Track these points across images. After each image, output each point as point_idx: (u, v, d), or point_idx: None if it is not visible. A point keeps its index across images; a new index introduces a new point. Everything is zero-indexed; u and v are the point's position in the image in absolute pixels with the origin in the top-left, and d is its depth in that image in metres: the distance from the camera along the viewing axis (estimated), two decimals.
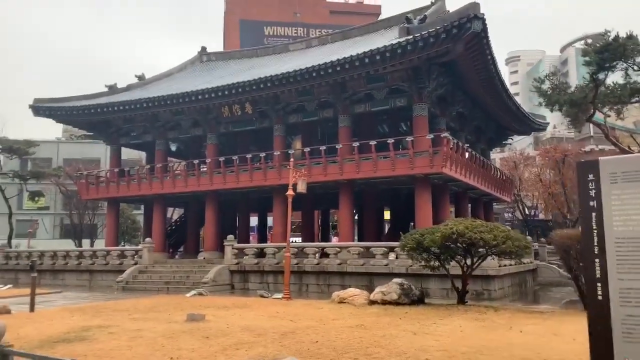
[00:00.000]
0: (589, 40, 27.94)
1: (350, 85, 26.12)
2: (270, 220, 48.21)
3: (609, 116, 29.47)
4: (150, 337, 8.68)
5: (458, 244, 12.35)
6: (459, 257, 13.15)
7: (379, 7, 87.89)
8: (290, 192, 17.51)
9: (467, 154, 26.34)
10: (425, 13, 28.25)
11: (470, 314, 11.42)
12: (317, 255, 22.23)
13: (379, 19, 78.46)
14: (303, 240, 30.61)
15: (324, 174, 25.86)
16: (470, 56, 22.91)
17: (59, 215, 63.32)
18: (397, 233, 28.78)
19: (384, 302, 13.15)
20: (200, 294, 18.59)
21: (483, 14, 20.77)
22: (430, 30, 21.64)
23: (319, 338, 8.22)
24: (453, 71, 24.61)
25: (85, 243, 51.22)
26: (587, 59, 26.89)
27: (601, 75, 26.28)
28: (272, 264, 22.95)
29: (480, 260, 13.27)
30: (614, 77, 27.77)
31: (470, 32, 20.94)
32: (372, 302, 13.33)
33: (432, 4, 30.78)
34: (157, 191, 30.86)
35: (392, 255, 21.40)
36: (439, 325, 9.58)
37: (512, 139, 39.58)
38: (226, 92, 27.39)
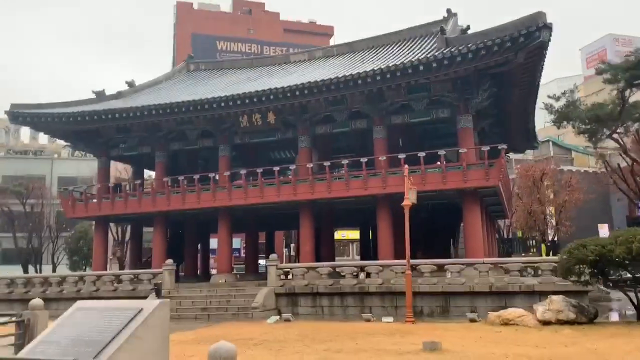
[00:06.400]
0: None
1: (389, 95, 24.96)
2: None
3: (620, 133, 30.31)
4: None
5: None
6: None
7: (332, 27, 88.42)
8: (406, 202, 15.87)
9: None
10: (444, 26, 27.77)
11: None
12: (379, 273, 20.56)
13: (332, 42, 78.84)
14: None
15: (364, 188, 24.34)
16: (524, 67, 22.55)
17: None
18: (429, 250, 27.69)
19: (559, 322, 11.84)
20: (286, 320, 16.31)
21: (551, 24, 20.46)
22: (495, 39, 21.01)
23: None
24: (500, 83, 24.14)
25: (33, 270, 45.62)
26: (607, 76, 27.59)
27: (627, 93, 27.09)
28: (326, 285, 20.94)
29: None
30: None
31: (537, 42, 20.54)
32: (545, 323, 11.98)
33: (445, 19, 30.45)
34: (161, 208, 27.77)
35: (449, 274, 20.25)
36: None
37: (509, 156, 40.03)
38: (252, 100, 25.27)
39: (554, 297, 12.76)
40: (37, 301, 10.82)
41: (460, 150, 23.20)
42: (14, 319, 11.28)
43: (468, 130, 24.20)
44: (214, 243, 41.35)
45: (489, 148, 22.77)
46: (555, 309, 12.08)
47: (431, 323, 15.03)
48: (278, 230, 41.78)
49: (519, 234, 54.80)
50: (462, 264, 19.58)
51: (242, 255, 52.03)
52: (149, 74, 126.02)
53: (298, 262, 33.27)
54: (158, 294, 11.27)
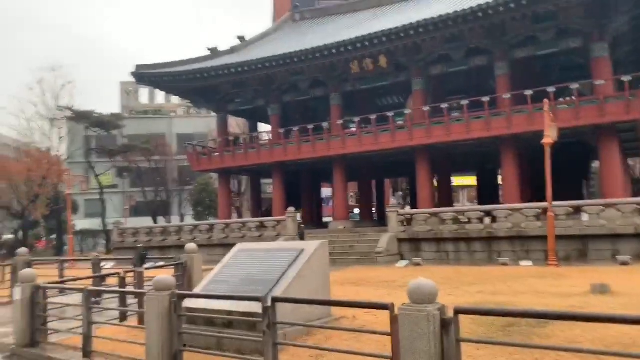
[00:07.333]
0: None
1: (512, 27, 23.13)
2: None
3: None
4: None
5: None
6: None
7: None
8: (547, 139, 14.86)
9: None
10: None
11: None
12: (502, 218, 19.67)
13: None
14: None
15: (486, 129, 23.16)
16: None
17: (127, 194, 61.75)
18: (560, 192, 26.03)
19: None
20: (416, 264, 16.26)
21: None
22: None
23: None
24: None
25: (162, 220, 49.44)
26: None
27: None
28: (451, 230, 20.46)
29: None
30: None
31: None
32: None
33: None
34: (279, 158, 28.49)
35: (585, 216, 18.80)
36: None
37: None
38: (364, 44, 24.68)
39: None
40: (192, 245, 11.53)
41: (596, 83, 21.14)
42: (172, 262, 12.13)
43: (604, 60, 21.96)
44: (324, 192, 42.23)
45: (630, 78, 20.48)
46: None
47: (575, 266, 14.16)
48: (388, 178, 41.55)
49: None
50: (602, 205, 18.12)
51: (350, 203, 52.85)
52: (251, 28, 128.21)
53: (411, 208, 32.97)
54: (302, 238, 11.65)
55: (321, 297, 7.42)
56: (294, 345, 5.65)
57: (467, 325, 6.48)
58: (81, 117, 36.83)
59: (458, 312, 4.11)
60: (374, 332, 4.92)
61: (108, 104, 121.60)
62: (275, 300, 5.22)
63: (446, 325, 4.12)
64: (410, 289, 4.32)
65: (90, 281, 10.95)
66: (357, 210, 40.47)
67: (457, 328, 4.10)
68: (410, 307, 4.25)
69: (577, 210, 18.76)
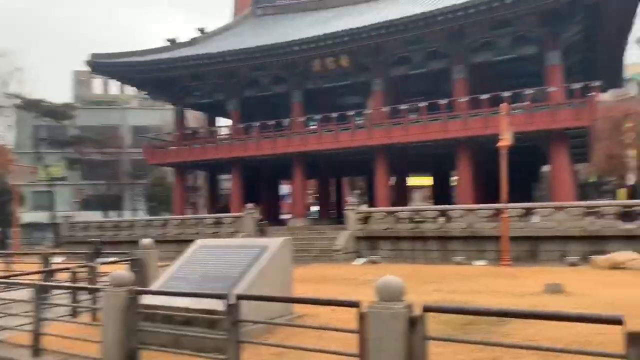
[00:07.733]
0: None
1: (471, 32, 23.68)
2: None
3: None
4: None
5: None
6: None
7: None
8: (504, 142, 15.23)
9: None
10: None
11: None
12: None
13: None
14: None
15: (444, 131, 23.61)
16: None
17: (77, 186, 59.58)
18: (511, 195, 26.83)
19: None
20: (374, 262, 16.40)
21: None
22: None
23: None
24: (594, 14, 22.29)
25: (113, 215, 47.97)
26: None
27: None
28: (408, 229, 20.76)
29: None
30: None
31: None
32: None
33: None
34: (238, 154, 28.19)
35: (536, 218, 19.50)
36: None
37: None
38: (327, 42, 24.72)
39: None
40: (147, 241, 11.18)
41: (549, 89, 21.90)
42: (126, 258, 11.75)
43: (556, 67, 22.78)
44: (282, 189, 42.04)
45: (581, 85, 21.34)
46: None
47: (526, 267, 14.64)
48: (347, 177, 41.82)
49: (591, 178, 52.53)
50: (552, 208, 18.79)
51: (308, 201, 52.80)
52: (212, 22, 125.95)
53: (368, 207, 33.27)
54: (263, 234, 11.54)
55: (285, 295, 7.35)
56: (258, 344, 5.57)
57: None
58: (30, 106, 35.33)
59: (426, 310, 4.13)
60: (342, 330, 4.90)
61: (60, 92, 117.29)
62: (240, 297, 5.12)
63: (414, 323, 4.14)
64: (379, 286, 4.31)
65: (39, 276, 10.48)
66: (315, 208, 40.52)
67: (424, 326, 4.13)
68: (379, 304, 4.25)
69: (528, 212, 19.39)
